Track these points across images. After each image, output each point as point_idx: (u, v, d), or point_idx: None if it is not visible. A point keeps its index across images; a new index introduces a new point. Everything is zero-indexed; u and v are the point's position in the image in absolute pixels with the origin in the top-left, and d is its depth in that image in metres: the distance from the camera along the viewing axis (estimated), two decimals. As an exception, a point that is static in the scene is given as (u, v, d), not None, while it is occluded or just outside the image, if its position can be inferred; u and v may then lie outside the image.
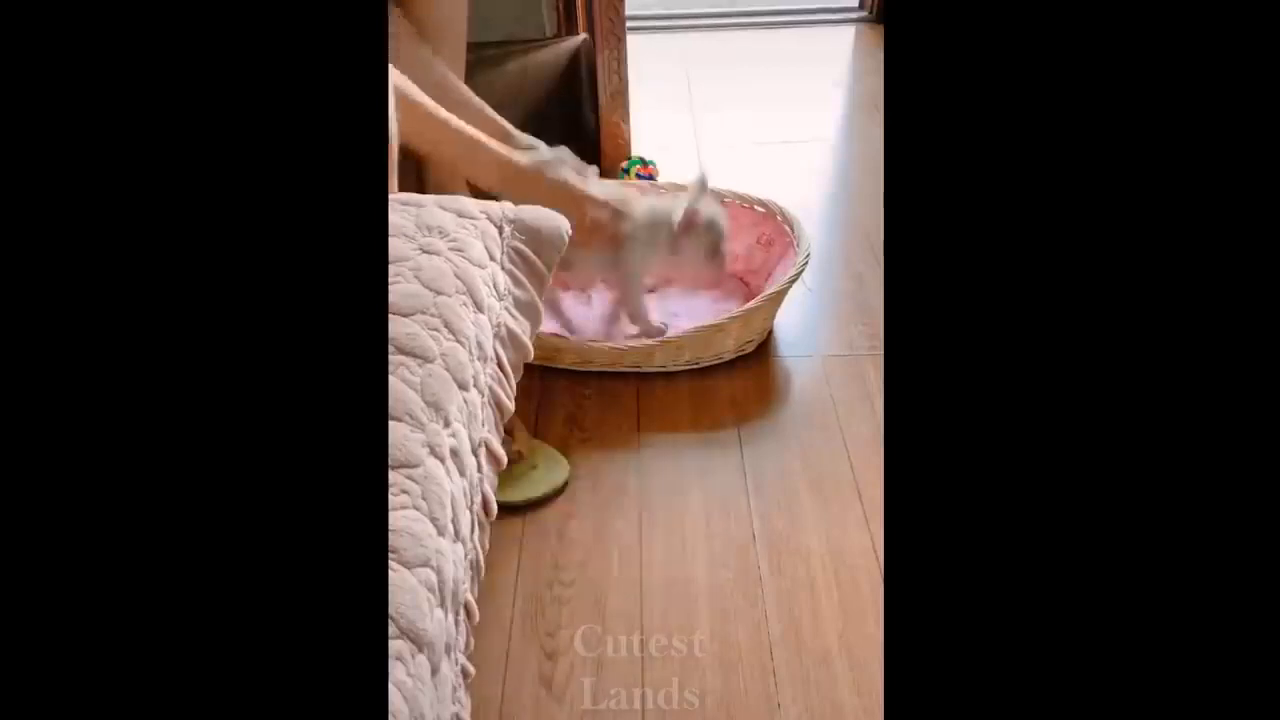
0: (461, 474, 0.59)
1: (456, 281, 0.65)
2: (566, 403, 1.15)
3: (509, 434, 1.01)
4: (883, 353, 1.20)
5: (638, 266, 1.14)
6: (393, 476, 0.53)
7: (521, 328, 0.72)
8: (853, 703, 0.80)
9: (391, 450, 0.54)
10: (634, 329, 1.20)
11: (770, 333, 1.24)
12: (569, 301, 1.25)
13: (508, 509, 0.97)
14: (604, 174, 1.25)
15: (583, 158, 1.25)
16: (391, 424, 0.55)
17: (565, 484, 1.02)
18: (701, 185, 1.12)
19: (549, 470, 1.03)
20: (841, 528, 0.97)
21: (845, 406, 1.12)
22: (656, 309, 1.24)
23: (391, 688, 0.45)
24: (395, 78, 0.85)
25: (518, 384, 0.72)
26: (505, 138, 1.08)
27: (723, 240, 1.13)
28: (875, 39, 2.16)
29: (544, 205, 0.78)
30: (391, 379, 0.57)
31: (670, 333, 1.15)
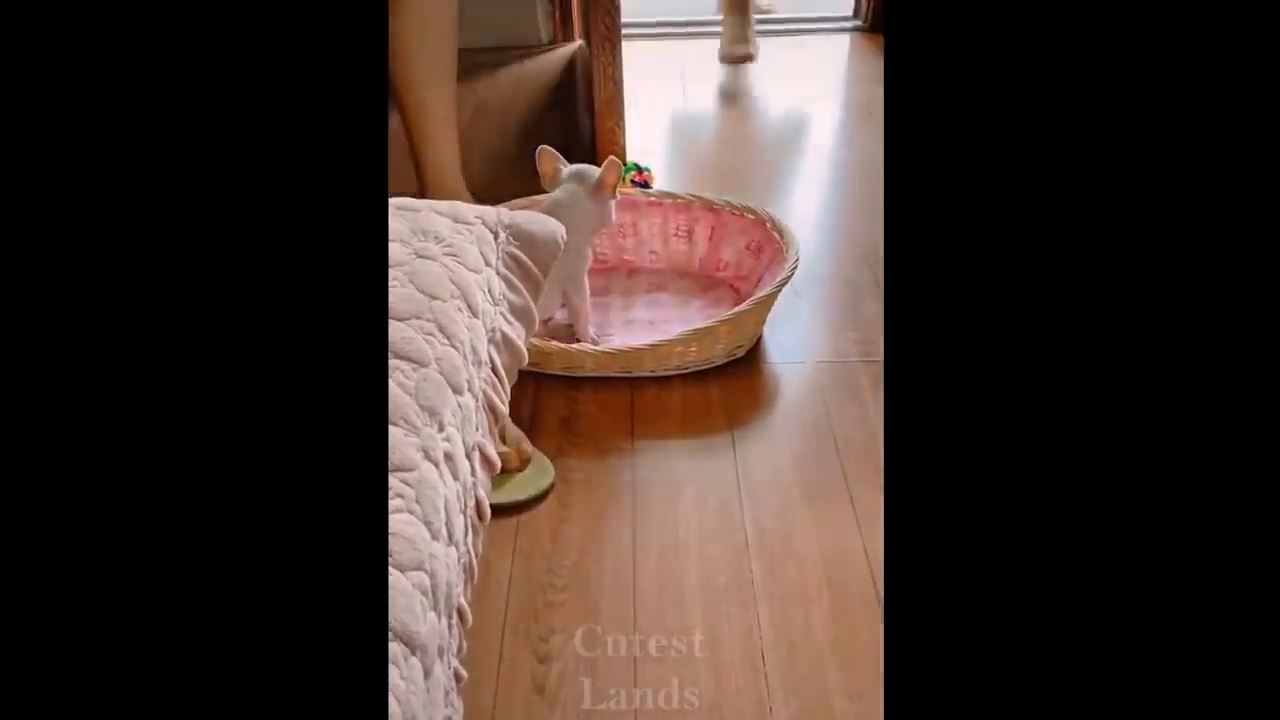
0: (455, 478, 0.59)
1: (451, 286, 0.66)
2: (560, 408, 1.15)
3: (501, 438, 1.02)
4: (875, 359, 1.21)
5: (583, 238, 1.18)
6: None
7: (516, 333, 0.73)
8: (844, 707, 0.81)
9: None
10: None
11: (761, 339, 1.24)
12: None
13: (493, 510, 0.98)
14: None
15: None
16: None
17: (550, 488, 1.03)
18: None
19: (535, 474, 1.04)
20: (834, 533, 0.97)
21: (838, 412, 1.13)
22: (642, 317, 1.25)
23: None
24: None
25: (512, 389, 0.72)
26: None
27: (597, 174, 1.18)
28: (870, 47, 2.17)
29: None
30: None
31: (660, 336, 1.15)
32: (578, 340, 1.22)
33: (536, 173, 1.19)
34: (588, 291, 1.22)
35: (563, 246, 0.78)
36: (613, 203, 1.19)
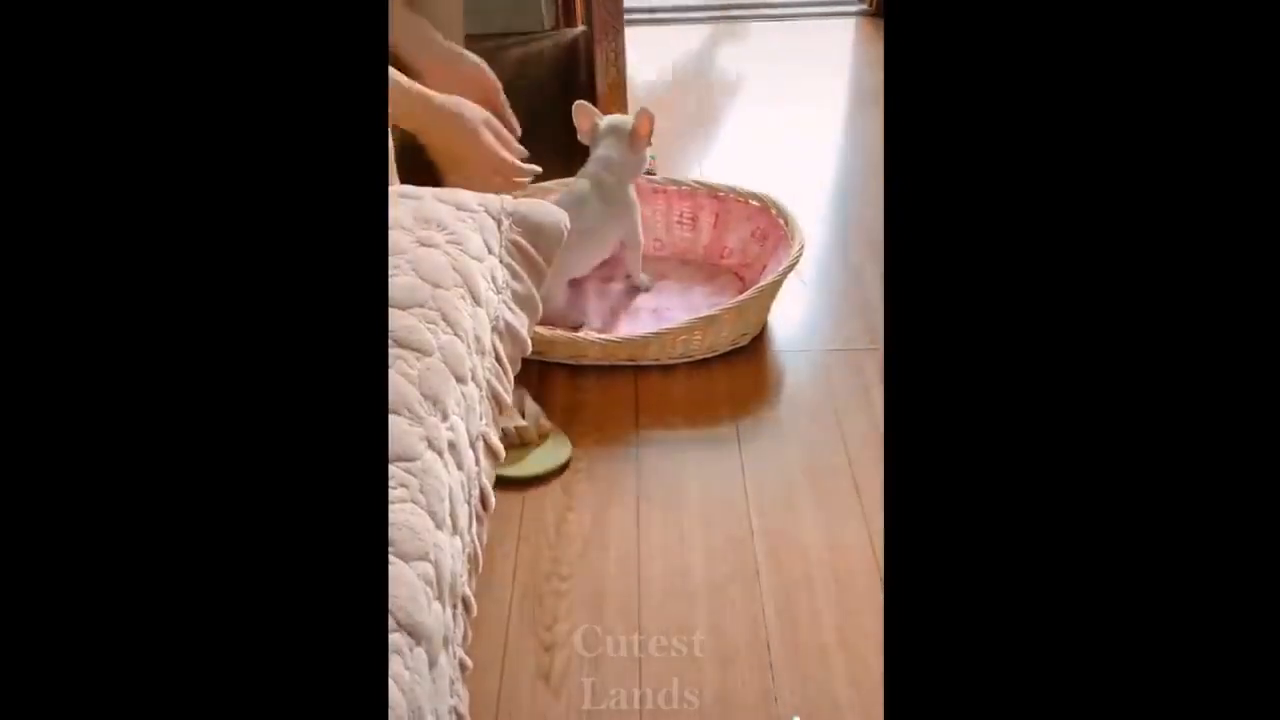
0: (459, 467, 0.59)
1: (454, 275, 0.65)
2: (564, 396, 1.15)
3: (520, 412, 1.05)
4: (880, 347, 1.20)
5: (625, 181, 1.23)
6: (391, 470, 0.53)
7: (519, 321, 0.72)
8: (849, 697, 0.81)
9: (390, 444, 0.53)
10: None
11: (766, 327, 1.24)
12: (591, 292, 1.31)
13: (506, 483, 0.98)
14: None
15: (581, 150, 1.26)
16: (390, 417, 0.55)
17: (567, 464, 1.04)
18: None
19: (553, 450, 1.05)
20: (839, 523, 0.97)
21: (843, 401, 1.12)
22: (646, 304, 1.27)
23: (389, 681, 0.45)
24: None
25: (516, 377, 0.72)
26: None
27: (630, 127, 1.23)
28: (875, 33, 2.16)
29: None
30: (390, 372, 0.57)
31: (664, 324, 1.15)
32: (629, 283, 1.30)
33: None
34: (641, 237, 1.27)
35: (566, 235, 0.77)
36: (647, 150, 1.25)
